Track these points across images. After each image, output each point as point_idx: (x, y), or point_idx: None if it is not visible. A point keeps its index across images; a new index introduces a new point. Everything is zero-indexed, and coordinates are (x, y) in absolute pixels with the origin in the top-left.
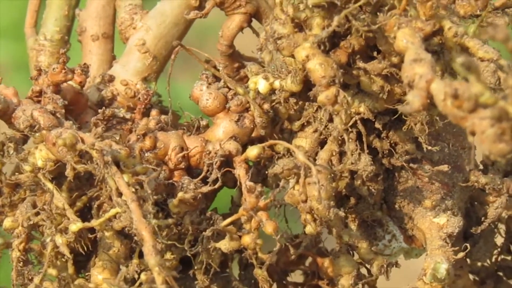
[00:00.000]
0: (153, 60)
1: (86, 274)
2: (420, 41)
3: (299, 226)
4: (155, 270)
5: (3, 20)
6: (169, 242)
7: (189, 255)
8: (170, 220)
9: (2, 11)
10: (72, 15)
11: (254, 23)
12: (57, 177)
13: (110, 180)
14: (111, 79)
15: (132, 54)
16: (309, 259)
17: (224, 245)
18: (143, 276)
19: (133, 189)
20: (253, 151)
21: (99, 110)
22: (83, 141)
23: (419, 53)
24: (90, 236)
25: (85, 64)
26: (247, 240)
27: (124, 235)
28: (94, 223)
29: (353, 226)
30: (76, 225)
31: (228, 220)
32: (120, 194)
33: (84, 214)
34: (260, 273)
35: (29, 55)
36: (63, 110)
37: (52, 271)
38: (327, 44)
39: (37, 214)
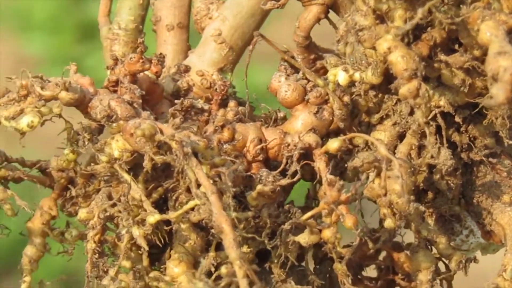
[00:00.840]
0: (229, 50)
1: (160, 266)
2: (504, 34)
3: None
4: (236, 264)
5: (40, 14)
6: (248, 235)
7: (269, 248)
8: (249, 213)
9: (38, 5)
10: (147, 4)
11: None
12: (133, 168)
13: (190, 172)
14: (187, 69)
15: (208, 45)
16: (383, 253)
17: (304, 238)
18: (223, 269)
19: (212, 181)
20: (334, 144)
21: (177, 101)
22: (162, 132)
23: (503, 46)
24: (166, 228)
25: (161, 54)
26: (327, 234)
27: (200, 227)
28: (171, 215)
29: (430, 220)
30: (154, 217)
31: (309, 213)
32: (199, 186)
33: (160, 205)
34: (339, 268)
35: (103, 44)
36: (140, 100)
37: (126, 263)
38: (410, 36)
39: (113, 205)
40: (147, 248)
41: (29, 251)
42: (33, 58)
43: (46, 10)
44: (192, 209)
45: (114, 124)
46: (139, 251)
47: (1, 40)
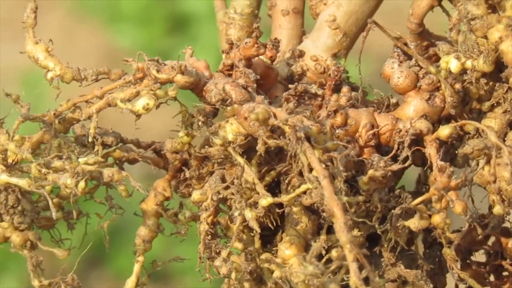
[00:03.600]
0: (343, 36)
1: (272, 249)
2: None
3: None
4: (346, 247)
5: (129, 6)
6: (359, 219)
7: (379, 232)
8: (360, 197)
9: None
10: None
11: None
12: (247, 151)
13: (302, 156)
14: (301, 54)
15: (322, 30)
16: (492, 239)
17: (414, 223)
18: (334, 253)
19: (324, 166)
20: (445, 131)
21: (291, 86)
22: (275, 116)
23: None
24: (277, 211)
25: (276, 39)
26: (437, 219)
27: (312, 210)
28: (284, 198)
29: None
30: (266, 200)
31: (420, 198)
32: (311, 170)
33: (272, 189)
34: (448, 253)
35: (218, 28)
36: (255, 85)
37: (238, 245)
38: None
39: (226, 188)
40: (259, 231)
41: (142, 231)
42: (122, 50)
43: (136, 2)
44: (304, 192)
45: (229, 108)
46: (251, 233)
47: (91, 32)
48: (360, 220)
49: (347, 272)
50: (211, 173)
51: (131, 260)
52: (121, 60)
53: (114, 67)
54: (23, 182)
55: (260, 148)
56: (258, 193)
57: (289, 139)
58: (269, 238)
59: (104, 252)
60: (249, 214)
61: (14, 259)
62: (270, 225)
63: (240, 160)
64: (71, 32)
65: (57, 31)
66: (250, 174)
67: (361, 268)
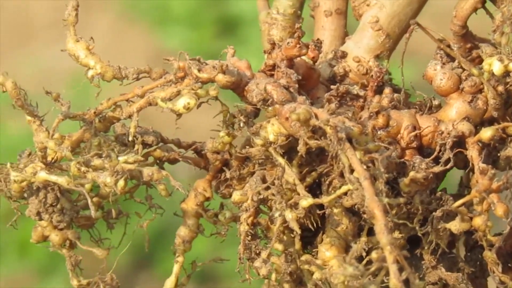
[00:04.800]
0: (386, 38)
1: (312, 250)
2: None
3: None
4: (386, 249)
5: (179, 8)
6: (400, 221)
7: (420, 234)
8: (401, 199)
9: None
10: None
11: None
12: (288, 152)
13: (343, 157)
14: (344, 55)
15: (365, 31)
16: None
17: (455, 226)
18: (374, 254)
19: (366, 167)
20: (487, 133)
21: (332, 86)
22: (316, 117)
23: None
24: (318, 212)
25: (318, 39)
26: (478, 222)
27: (353, 212)
28: (324, 199)
29: None
30: (307, 201)
31: (461, 201)
32: (352, 171)
33: (312, 190)
34: (489, 256)
35: (261, 28)
36: (296, 85)
37: (278, 246)
38: None
39: (267, 188)
40: (299, 232)
41: (182, 231)
42: (171, 53)
43: (185, 4)
44: (345, 194)
45: (270, 108)
46: (292, 235)
47: (140, 34)
48: (401, 222)
49: (387, 274)
50: (252, 173)
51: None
52: (170, 62)
53: (161, 69)
54: (62, 180)
55: (301, 148)
56: (298, 194)
57: (330, 140)
58: (309, 240)
59: (153, 254)
60: (289, 215)
61: (63, 262)
62: (310, 226)
63: (281, 160)
64: (120, 34)
65: (106, 33)
66: (291, 174)
67: (401, 270)
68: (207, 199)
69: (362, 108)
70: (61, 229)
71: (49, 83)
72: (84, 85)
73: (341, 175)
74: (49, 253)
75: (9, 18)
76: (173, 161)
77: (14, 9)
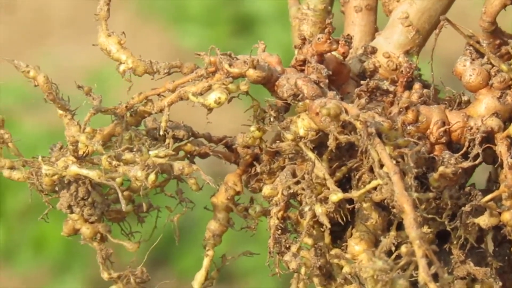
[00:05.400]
0: (416, 33)
1: (342, 244)
2: None
3: None
4: (415, 243)
5: (195, 6)
6: (429, 216)
7: (449, 229)
8: (430, 194)
9: None
10: None
11: None
12: (318, 146)
13: (373, 152)
14: (373, 51)
15: (395, 27)
16: None
17: (483, 220)
18: (403, 249)
19: (395, 162)
20: None
21: (362, 82)
22: (347, 112)
23: None
24: (347, 206)
25: (348, 35)
26: (507, 217)
27: (382, 207)
28: (354, 193)
29: None
30: (337, 195)
31: (490, 196)
32: (382, 166)
33: (342, 184)
34: None
35: (291, 24)
36: (327, 80)
37: (308, 240)
38: None
39: (297, 183)
40: (329, 226)
41: (213, 225)
42: (188, 51)
43: (201, 3)
44: (375, 188)
45: (300, 103)
46: (321, 229)
47: (156, 33)
48: (430, 217)
49: (416, 268)
50: (282, 168)
51: (196, 260)
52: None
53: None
54: (93, 174)
55: (331, 143)
56: (328, 189)
57: (360, 135)
58: (338, 234)
59: (169, 252)
60: (319, 209)
61: (78, 259)
62: (340, 220)
63: (311, 155)
64: (136, 32)
65: (122, 31)
66: (321, 169)
67: (430, 264)
68: (237, 193)
69: (391, 103)
70: (92, 222)
71: (65, 80)
72: (100, 82)
73: (371, 170)
74: (63, 251)
75: (26, 16)
76: (203, 155)
77: (31, 7)
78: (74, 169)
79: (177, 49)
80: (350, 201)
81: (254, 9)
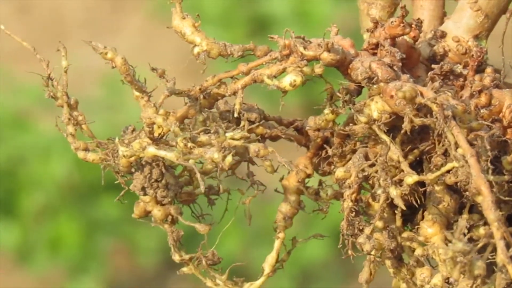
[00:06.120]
0: (484, 18)
1: (411, 228)
2: None
3: None
4: (494, 225)
5: (212, 8)
6: (504, 199)
7: None
8: (505, 177)
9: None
10: None
11: None
12: (390, 130)
13: (449, 135)
14: (443, 35)
15: (464, 11)
16: None
17: None
18: (481, 231)
19: (470, 145)
20: None
21: (434, 66)
22: (422, 95)
23: None
24: (419, 189)
25: (419, 19)
26: None
27: (453, 190)
28: (429, 176)
29: None
30: (412, 178)
31: None
32: (457, 149)
33: (412, 168)
34: None
35: (359, 8)
36: (400, 64)
37: (379, 223)
38: None
39: (371, 165)
40: (404, 208)
41: (284, 208)
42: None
43: (218, 4)
44: (448, 171)
45: (375, 86)
46: (396, 211)
47: (171, 34)
48: (506, 199)
49: (494, 250)
50: (353, 151)
51: None
52: (201, 62)
53: (194, 70)
54: (171, 155)
55: (406, 126)
56: (402, 171)
57: (436, 118)
58: (408, 217)
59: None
60: (394, 191)
61: (94, 260)
62: (414, 203)
63: (386, 138)
64: (152, 34)
65: (138, 33)
66: (395, 152)
67: (508, 246)
68: (308, 176)
69: (462, 87)
70: (163, 205)
71: (82, 82)
72: (116, 84)
73: (444, 153)
74: (79, 252)
75: (42, 18)
76: (275, 138)
77: (47, 8)
78: (152, 150)
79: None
80: (421, 184)
81: (270, 10)
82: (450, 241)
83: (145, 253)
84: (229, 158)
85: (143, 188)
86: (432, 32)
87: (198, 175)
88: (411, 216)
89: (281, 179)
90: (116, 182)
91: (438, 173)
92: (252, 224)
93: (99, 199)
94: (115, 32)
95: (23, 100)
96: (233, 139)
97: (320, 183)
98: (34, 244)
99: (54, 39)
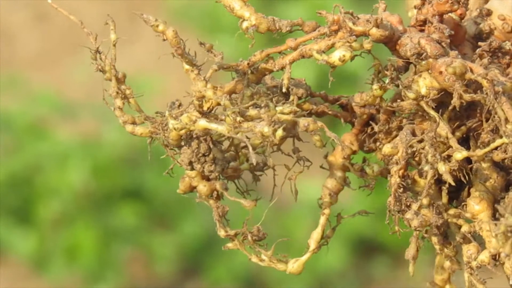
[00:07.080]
0: None
1: (456, 205)
2: None
3: None
4: None
5: (228, 16)
6: None
7: None
8: None
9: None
10: None
11: None
12: (438, 106)
13: (499, 111)
14: (489, 13)
15: None
16: None
17: None
18: None
19: None
20: None
21: (481, 43)
22: (472, 71)
23: None
24: (467, 166)
25: None
26: None
27: (500, 167)
28: (478, 152)
29: None
30: (461, 153)
31: None
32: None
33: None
34: None
35: None
36: (448, 40)
37: (425, 200)
38: None
39: (420, 141)
40: (453, 184)
41: (330, 184)
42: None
43: None
44: (497, 147)
45: (423, 62)
46: (439, 188)
47: (189, 42)
48: None
49: None
50: (400, 127)
51: (228, 270)
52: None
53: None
54: (222, 128)
55: (455, 102)
56: (450, 147)
57: (486, 94)
58: (453, 195)
59: (200, 262)
60: (442, 167)
61: (111, 268)
62: (462, 179)
63: (434, 114)
64: (168, 42)
65: (156, 40)
66: (443, 128)
67: None
68: (354, 152)
69: (508, 65)
70: (209, 180)
71: (99, 89)
72: (134, 90)
73: (493, 130)
74: (96, 260)
75: (59, 26)
76: (321, 114)
77: (64, 17)
78: (203, 123)
79: (209, 58)
80: (467, 161)
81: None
82: (501, 216)
83: (161, 262)
84: (279, 132)
85: (190, 163)
86: (478, 10)
87: (250, 148)
88: (455, 193)
89: (326, 155)
90: (133, 190)
91: (488, 148)
92: (268, 233)
93: (116, 207)
94: (132, 40)
95: (40, 108)
96: (283, 113)
97: (364, 160)
98: (51, 252)
99: (71, 46)
